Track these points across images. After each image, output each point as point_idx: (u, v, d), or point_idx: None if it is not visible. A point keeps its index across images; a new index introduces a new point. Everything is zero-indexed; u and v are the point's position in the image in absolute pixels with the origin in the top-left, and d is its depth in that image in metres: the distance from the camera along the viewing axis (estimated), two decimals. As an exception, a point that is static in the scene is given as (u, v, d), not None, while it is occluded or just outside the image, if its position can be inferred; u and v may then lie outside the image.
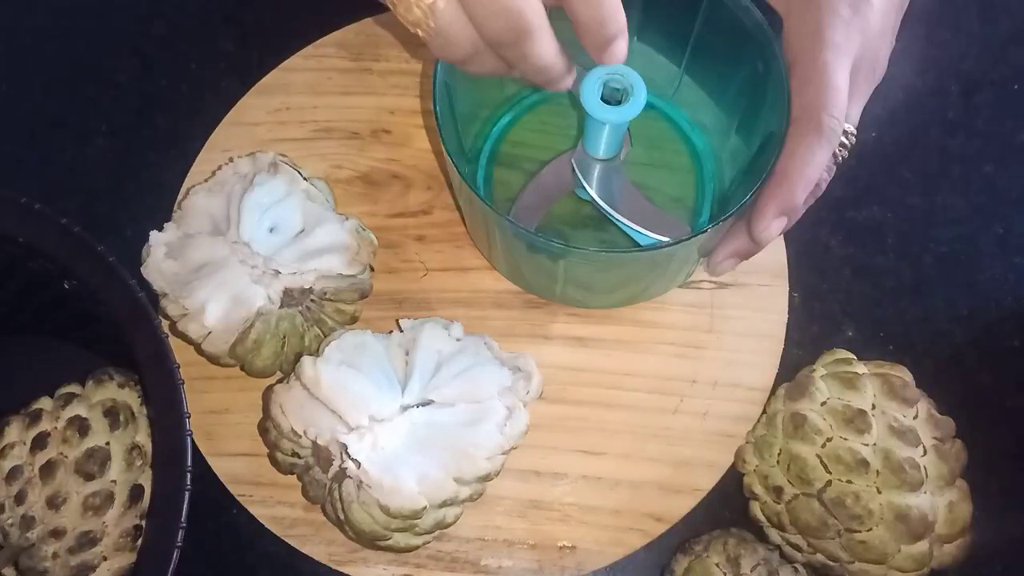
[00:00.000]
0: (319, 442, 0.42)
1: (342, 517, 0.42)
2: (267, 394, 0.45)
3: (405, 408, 0.43)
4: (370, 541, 0.43)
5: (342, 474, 0.42)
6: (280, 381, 0.45)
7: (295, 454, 0.44)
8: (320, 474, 0.43)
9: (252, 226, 0.47)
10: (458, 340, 0.46)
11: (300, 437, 0.43)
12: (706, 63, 0.50)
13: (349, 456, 0.41)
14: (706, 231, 0.41)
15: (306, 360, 0.43)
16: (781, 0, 0.43)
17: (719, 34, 0.46)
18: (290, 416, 0.43)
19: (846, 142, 0.42)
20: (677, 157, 0.53)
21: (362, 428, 0.42)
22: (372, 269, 0.50)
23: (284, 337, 0.46)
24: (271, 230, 0.48)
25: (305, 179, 0.50)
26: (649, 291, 0.50)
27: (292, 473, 0.45)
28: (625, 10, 0.36)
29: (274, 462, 0.45)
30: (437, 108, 0.42)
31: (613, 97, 0.42)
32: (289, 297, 0.46)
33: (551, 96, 0.53)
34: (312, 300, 0.47)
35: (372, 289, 0.50)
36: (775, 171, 0.40)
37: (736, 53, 0.45)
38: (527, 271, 0.49)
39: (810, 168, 0.39)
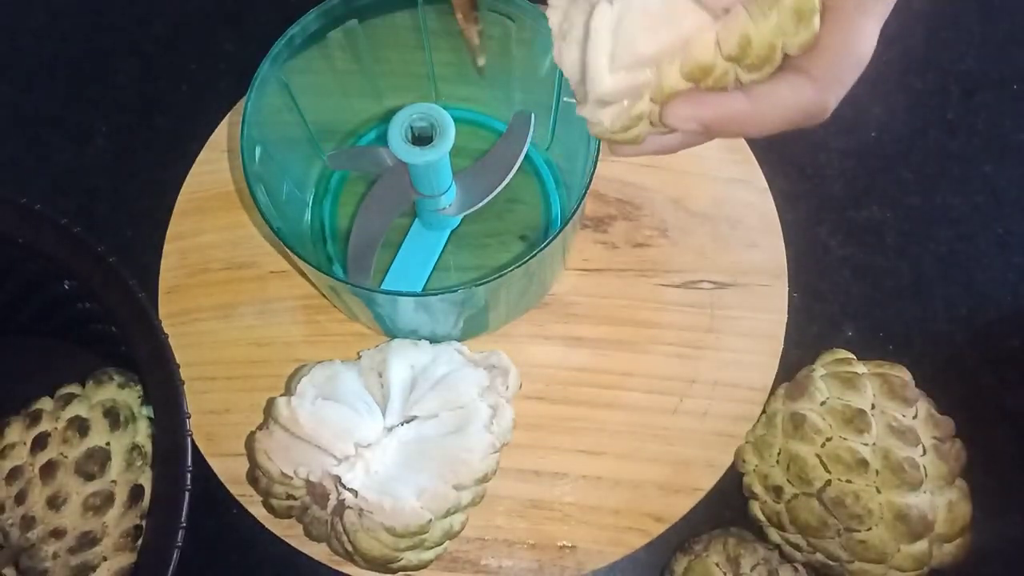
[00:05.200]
0: (311, 479, 0.42)
1: (350, 549, 0.42)
2: (249, 443, 0.45)
3: (390, 429, 0.43)
4: (383, 566, 0.43)
5: (341, 506, 0.41)
6: (259, 428, 0.45)
7: (290, 497, 0.43)
8: (319, 511, 0.43)
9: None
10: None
11: (291, 479, 0.42)
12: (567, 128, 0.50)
13: (344, 487, 0.41)
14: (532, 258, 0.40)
15: (280, 401, 0.43)
16: None
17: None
18: (277, 460, 0.42)
19: None
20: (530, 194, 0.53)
21: (351, 457, 0.42)
22: None
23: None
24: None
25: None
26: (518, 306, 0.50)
27: (290, 517, 0.45)
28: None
29: (270, 509, 0.45)
30: (259, 201, 0.42)
31: (425, 135, 0.42)
32: None
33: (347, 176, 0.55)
34: None
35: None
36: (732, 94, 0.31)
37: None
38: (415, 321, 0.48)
39: (771, 119, 0.31)
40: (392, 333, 0.49)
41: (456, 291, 0.41)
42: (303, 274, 0.52)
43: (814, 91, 0.30)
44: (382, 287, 0.50)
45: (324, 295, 0.51)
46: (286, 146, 0.50)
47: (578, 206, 0.42)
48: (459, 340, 0.49)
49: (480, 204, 0.47)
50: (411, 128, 0.42)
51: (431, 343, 0.47)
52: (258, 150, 0.44)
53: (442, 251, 0.51)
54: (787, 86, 0.30)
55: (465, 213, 0.48)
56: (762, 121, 0.31)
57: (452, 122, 0.42)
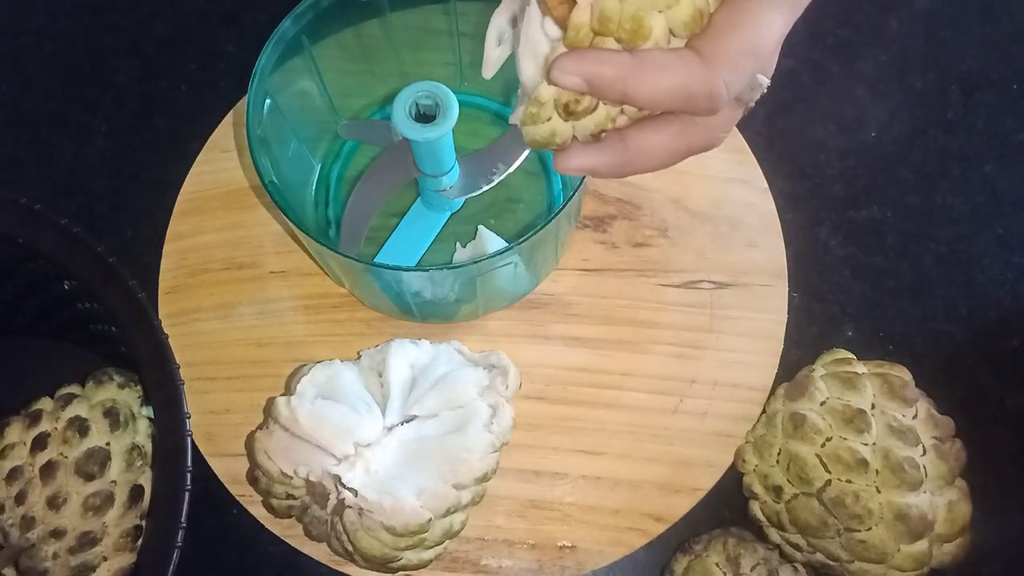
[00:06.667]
0: (311, 479, 0.42)
1: (350, 548, 0.42)
2: (249, 442, 0.45)
3: (390, 428, 0.43)
4: (383, 565, 0.43)
5: (341, 505, 0.41)
6: (259, 428, 0.45)
7: (290, 496, 0.43)
8: (319, 511, 0.43)
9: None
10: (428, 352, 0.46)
11: (291, 478, 0.42)
12: None
13: (344, 486, 0.41)
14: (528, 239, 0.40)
15: (280, 401, 0.43)
16: None
17: None
18: (277, 459, 0.42)
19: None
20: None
21: (351, 456, 0.42)
22: None
23: None
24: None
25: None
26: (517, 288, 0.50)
27: (290, 517, 0.45)
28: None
29: (270, 509, 0.45)
30: (267, 181, 0.42)
31: (429, 113, 0.42)
32: None
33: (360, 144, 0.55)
34: None
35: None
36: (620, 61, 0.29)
37: None
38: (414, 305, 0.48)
39: (654, 84, 0.29)
40: (366, 303, 0.50)
41: (428, 271, 0.41)
42: (297, 240, 0.52)
43: (702, 68, 0.28)
44: (375, 259, 0.50)
45: (312, 257, 0.52)
46: (300, 107, 0.50)
47: (573, 193, 0.42)
48: (426, 322, 0.48)
49: (480, 191, 0.47)
50: (416, 105, 0.42)
51: (426, 342, 0.47)
52: (267, 103, 0.44)
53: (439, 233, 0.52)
54: (674, 55, 0.29)
55: (466, 197, 0.48)
56: (645, 84, 0.28)
57: (456, 103, 0.42)
